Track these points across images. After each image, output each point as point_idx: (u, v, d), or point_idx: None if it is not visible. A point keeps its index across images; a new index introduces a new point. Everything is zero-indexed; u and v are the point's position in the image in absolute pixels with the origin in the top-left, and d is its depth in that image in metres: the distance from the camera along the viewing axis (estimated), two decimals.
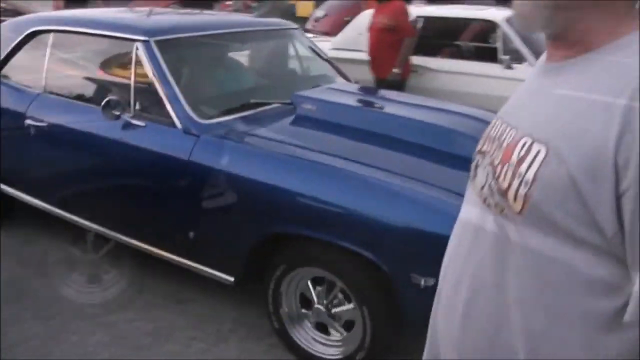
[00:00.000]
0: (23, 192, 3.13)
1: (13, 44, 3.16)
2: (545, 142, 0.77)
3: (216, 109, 2.65)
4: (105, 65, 2.98)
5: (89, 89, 2.99)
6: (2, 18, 4.39)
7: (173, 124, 2.49)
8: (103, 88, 2.91)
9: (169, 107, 2.51)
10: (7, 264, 2.97)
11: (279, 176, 2.20)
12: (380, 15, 4.61)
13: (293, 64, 3.47)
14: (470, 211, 0.93)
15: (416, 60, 4.84)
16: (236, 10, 11.82)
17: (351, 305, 2.17)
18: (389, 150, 2.38)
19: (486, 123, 1.00)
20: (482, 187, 0.89)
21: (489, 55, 4.77)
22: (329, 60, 3.59)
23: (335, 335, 2.30)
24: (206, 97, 2.63)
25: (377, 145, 2.42)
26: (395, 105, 2.88)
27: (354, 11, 6.60)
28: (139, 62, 2.62)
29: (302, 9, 11.27)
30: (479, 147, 0.96)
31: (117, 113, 2.55)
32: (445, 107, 2.84)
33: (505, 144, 0.85)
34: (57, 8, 8.38)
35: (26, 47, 3.15)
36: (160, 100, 2.54)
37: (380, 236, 1.98)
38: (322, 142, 2.41)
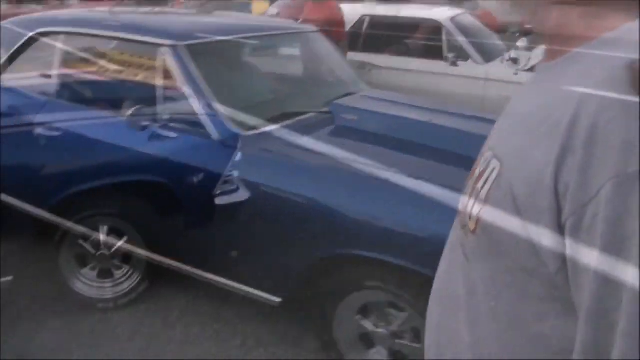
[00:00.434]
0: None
1: (17, 45, 2.90)
2: (501, 159, 0.66)
3: (252, 119, 2.47)
4: (126, 71, 2.76)
5: (107, 97, 2.77)
6: None
7: (208, 135, 2.31)
8: (123, 96, 2.68)
9: (203, 117, 2.34)
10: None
11: (336, 195, 2.05)
12: (313, 15, 4.55)
13: (322, 69, 3.31)
14: (455, 226, 0.83)
15: (364, 57, 4.92)
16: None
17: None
18: (442, 164, 2.24)
19: None
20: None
21: (434, 53, 4.93)
22: (348, 64, 3.44)
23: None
24: (241, 106, 2.46)
25: (430, 159, 2.28)
26: (440, 115, 2.73)
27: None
28: (165, 69, 2.44)
29: (258, 6, 11.18)
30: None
31: (145, 124, 2.36)
32: (489, 117, 2.72)
33: (480, 154, 0.75)
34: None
35: (32, 48, 2.90)
36: (191, 109, 2.36)
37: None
38: (371, 155, 2.26)
